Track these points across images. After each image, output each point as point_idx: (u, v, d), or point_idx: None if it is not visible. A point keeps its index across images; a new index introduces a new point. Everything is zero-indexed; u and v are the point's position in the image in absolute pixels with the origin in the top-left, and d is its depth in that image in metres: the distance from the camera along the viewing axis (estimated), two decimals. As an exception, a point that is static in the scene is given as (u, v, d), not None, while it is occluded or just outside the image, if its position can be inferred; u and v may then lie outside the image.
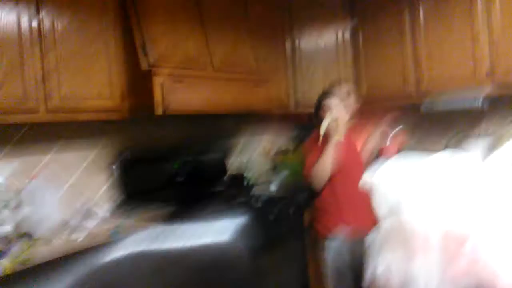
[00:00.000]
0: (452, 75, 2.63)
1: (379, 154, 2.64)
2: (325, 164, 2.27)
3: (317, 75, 3.14)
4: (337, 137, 2.25)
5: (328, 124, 2.25)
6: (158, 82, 2.11)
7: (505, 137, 2.67)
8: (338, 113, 2.35)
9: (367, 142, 2.66)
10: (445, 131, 3.03)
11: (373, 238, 0.91)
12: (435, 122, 3.07)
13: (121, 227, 2.00)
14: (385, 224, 0.87)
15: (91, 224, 2.07)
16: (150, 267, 1.07)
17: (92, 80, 2.08)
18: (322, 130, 2.25)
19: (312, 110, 2.69)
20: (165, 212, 2.25)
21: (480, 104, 2.59)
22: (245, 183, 2.89)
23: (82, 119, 2.07)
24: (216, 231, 1.22)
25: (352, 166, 2.39)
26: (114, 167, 2.38)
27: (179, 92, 2.20)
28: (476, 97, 2.58)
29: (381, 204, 0.87)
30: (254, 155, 3.32)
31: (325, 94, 2.45)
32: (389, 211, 0.86)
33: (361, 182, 0.91)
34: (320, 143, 2.33)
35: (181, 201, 2.54)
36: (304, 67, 3.14)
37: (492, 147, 2.62)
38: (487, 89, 2.51)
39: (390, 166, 0.92)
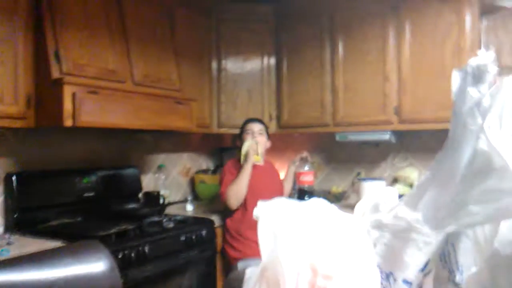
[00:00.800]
0: (365, 107, 2.85)
1: (296, 181, 2.75)
2: (241, 184, 2.35)
3: (241, 98, 3.21)
4: (256, 159, 2.34)
5: (249, 146, 2.34)
6: (69, 91, 2.02)
7: (400, 180, 2.93)
8: (259, 137, 2.47)
9: (288, 168, 2.79)
10: (358, 160, 3.25)
11: (251, 273, 0.94)
12: (349, 151, 3.30)
13: (11, 244, 1.86)
14: (263, 259, 0.90)
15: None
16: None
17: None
18: (244, 150, 2.34)
19: (235, 131, 2.76)
20: (63, 230, 2.14)
21: (388, 138, 2.81)
22: (161, 201, 2.84)
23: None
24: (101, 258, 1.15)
25: (270, 191, 2.48)
26: (13, 178, 2.21)
27: (93, 104, 2.11)
28: (385, 131, 2.81)
29: (264, 237, 0.91)
30: (172, 173, 3.29)
31: (250, 120, 2.55)
32: (268, 245, 0.90)
33: (254, 212, 0.96)
34: (240, 165, 2.39)
35: (88, 218, 2.45)
36: (228, 88, 3.20)
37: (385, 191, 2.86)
38: (394, 124, 2.74)
39: (277, 204, 0.97)
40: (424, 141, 2.94)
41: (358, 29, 2.86)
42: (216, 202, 3.06)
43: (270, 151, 2.81)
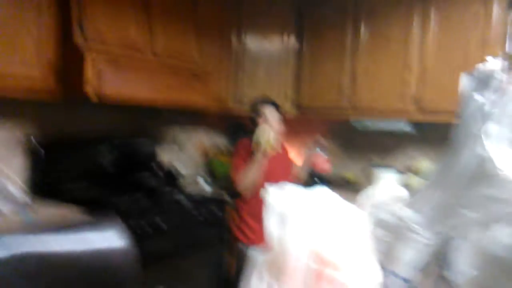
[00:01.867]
0: (383, 94, 2.85)
1: (311, 167, 2.76)
2: (252, 174, 2.33)
3: (259, 76, 3.23)
4: (270, 149, 2.32)
5: (263, 136, 2.31)
6: (91, 58, 2.08)
7: (413, 171, 2.93)
8: (273, 123, 2.46)
9: (301, 153, 2.78)
10: (372, 148, 3.26)
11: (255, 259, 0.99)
12: (364, 139, 3.30)
13: (36, 213, 1.93)
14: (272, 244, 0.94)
15: (7, 208, 1.99)
16: (36, 269, 1.08)
17: (18, 48, 2.01)
18: (258, 139, 2.30)
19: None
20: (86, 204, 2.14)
21: (404, 127, 2.81)
22: (178, 179, 2.87)
23: (9, 96, 2.00)
24: (113, 236, 1.25)
25: (283, 177, 2.48)
26: (34, 150, 2.28)
27: (113, 74, 2.16)
28: (403, 120, 2.81)
29: (270, 221, 0.95)
30: (188, 150, 3.33)
31: (263, 101, 2.52)
32: (274, 231, 0.94)
33: (261, 193, 0.98)
34: (252, 149, 2.42)
35: (106, 185, 2.49)
36: (247, 65, 3.21)
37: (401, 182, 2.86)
38: (411, 114, 2.75)
39: (284, 190, 1.00)
40: (442, 134, 2.90)
41: (382, 14, 2.84)
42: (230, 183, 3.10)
43: (286, 135, 2.82)
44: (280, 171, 2.50)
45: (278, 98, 3.06)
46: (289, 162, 2.70)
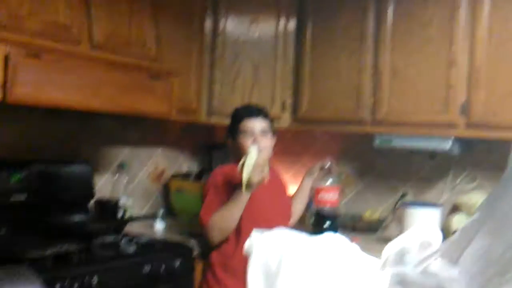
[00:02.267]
0: (419, 102, 2.86)
1: (316, 202, 2.74)
2: (230, 218, 2.34)
3: (244, 76, 3.22)
4: (257, 183, 2.30)
5: (250, 160, 2.27)
6: (2, 51, 2.05)
7: (462, 209, 2.94)
8: (262, 141, 2.45)
9: (303, 181, 2.78)
10: (405, 175, 3.27)
11: None
12: (392, 162, 3.30)
13: None
14: None
15: None
16: None
17: None
18: (242, 168, 2.27)
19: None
20: None
21: (449, 147, 2.82)
22: (119, 214, 2.87)
23: None
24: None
25: (274, 213, 2.49)
26: None
27: (33, 72, 2.14)
28: (445, 137, 2.81)
29: (254, 281, 0.95)
30: (139, 175, 3.32)
31: (247, 112, 2.53)
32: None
33: (245, 245, 1.01)
34: (234, 178, 2.40)
35: (16, 231, 2.46)
36: (227, 61, 3.20)
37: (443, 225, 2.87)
38: (459, 128, 2.76)
39: (276, 238, 1.01)
40: (501, 156, 2.94)
41: (417, -10, 2.88)
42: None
43: (278, 154, 2.81)
44: (271, 209, 2.51)
45: (269, 106, 3.06)
46: (283, 197, 2.70)
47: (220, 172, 2.51)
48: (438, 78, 2.81)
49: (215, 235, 2.38)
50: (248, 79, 3.23)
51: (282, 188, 2.69)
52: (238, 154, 2.52)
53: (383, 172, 3.33)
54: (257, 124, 2.49)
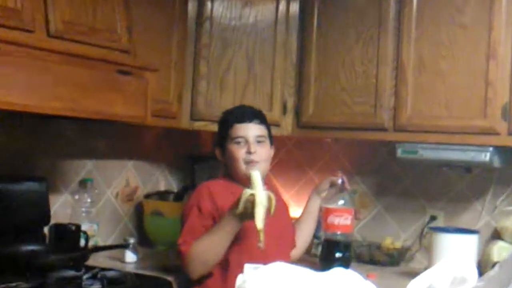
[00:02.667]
0: (451, 103, 2.86)
1: (325, 228, 2.74)
2: (217, 246, 2.34)
3: (235, 71, 3.22)
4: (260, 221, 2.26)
5: (260, 207, 2.25)
6: None
7: (505, 235, 2.93)
8: (259, 150, 2.47)
9: (310, 201, 2.78)
10: (432, 196, 3.26)
11: None
12: (418, 177, 3.30)
13: None
14: None
15: None
16: None
17: None
18: (244, 206, 2.25)
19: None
20: None
21: (488, 159, 2.82)
22: (82, 242, 2.86)
23: None
24: None
25: (274, 250, 2.44)
26: None
27: None
28: (484, 146, 2.81)
29: None
30: (106, 194, 3.30)
31: (239, 116, 2.54)
32: None
33: (237, 282, 1.01)
34: (224, 199, 2.42)
35: None
36: (215, 52, 3.20)
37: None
38: (501, 135, 2.76)
39: (275, 274, 1.01)
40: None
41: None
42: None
43: (277, 167, 2.80)
44: (267, 237, 2.43)
45: (267, 109, 3.05)
46: (284, 221, 2.70)
47: (206, 189, 2.51)
48: (474, 73, 2.81)
49: (196, 269, 2.38)
50: (241, 75, 3.22)
51: (282, 210, 2.68)
52: (229, 167, 2.53)
53: (407, 190, 3.32)
54: (251, 131, 2.52)
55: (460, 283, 1.11)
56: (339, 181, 2.75)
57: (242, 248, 2.38)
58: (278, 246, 2.48)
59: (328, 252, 2.76)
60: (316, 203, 2.76)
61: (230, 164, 2.53)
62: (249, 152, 2.49)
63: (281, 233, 2.59)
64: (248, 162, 2.50)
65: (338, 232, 2.72)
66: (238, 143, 2.49)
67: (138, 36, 2.86)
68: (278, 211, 2.62)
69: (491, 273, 1.03)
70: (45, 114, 2.46)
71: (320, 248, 2.84)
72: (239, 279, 1.10)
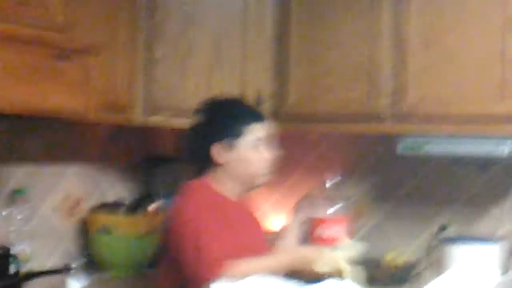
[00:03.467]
0: (463, 86, 2.87)
1: (309, 238, 2.75)
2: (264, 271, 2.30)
3: (198, 51, 3.23)
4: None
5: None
6: None
7: None
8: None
9: (293, 210, 2.81)
10: (442, 199, 3.28)
11: None
12: (423, 179, 3.32)
13: None
14: None
15: None
16: None
17: None
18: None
19: (181, 122, 2.74)
20: None
21: (508, 153, 2.84)
22: (12, 269, 2.85)
23: None
24: None
25: (251, 249, 2.50)
26: None
27: None
28: (503, 138, 2.85)
29: None
30: (41, 208, 3.29)
31: (252, 113, 2.58)
32: None
33: None
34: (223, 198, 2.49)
35: None
36: (173, 30, 3.21)
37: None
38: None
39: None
40: None
41: None
42: (134, 272, 3.02)
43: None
44: (249, 240, 2.55)
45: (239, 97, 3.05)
46: (255, 230, 2.73)
47: (196, 189, 2.54)
48: (489, 49, 2.83)
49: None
50: (206, 57, 3.24)
51: (254, 222, 2.75)
52: (234, 171, 2.53)
53: (410, 195, 3.35)
54: (267, 130, 2.61)
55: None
56: (330, 182, 2.75)
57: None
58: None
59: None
60: (298, 217, 2.79)
61: (241, 167, 2.55)
62: (269, 159, 2.57)
63: (260, 245, 2.63)
64: (266, 169, 2.57)
65: (330, 246, 2.71)
66: (257, 145, 2.54)
67: (76, 12, 2.85)
68: (249, 222, 2.68)
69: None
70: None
71: None
72: None
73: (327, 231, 2.69)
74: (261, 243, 2.68)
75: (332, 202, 2.73)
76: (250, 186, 2.59)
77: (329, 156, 3.50)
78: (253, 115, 2.61)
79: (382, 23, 3.03)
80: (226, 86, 3.15)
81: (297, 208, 2.79)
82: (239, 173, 2.54)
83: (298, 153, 3.58)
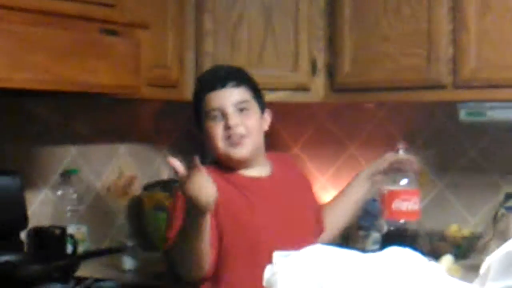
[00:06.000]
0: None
1: (384, 212, 2.73)
2: (190, 245, 2.30)
3: (250, 23, 3.23)
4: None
5: None
6: None
7: None
8: (243, 121, 2.48)
9: (356, 180, 2.78)
10: (507, 168, 3.24)
11: None
12: (487, 147, 3.30)
13: None
14: None
15: None
16: None
17: None
18: None
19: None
20: None
21: None
22: (68, 248, 2.89)
23: None
24: None
25: (289, 232, 2.48)
26: None
27: None
28: None
29: None
30: (95, 187, 3.33)
31: (209, 83, 2.52)
32: None
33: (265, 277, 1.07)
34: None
35: None
36: (222, 1, 3.22)
37: None
38: None
39: (310, 259, 1.05)
40: None
41: None
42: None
43: (308, 143, 2.77)
44: (281, 227, 2.50)
45: (292, 69, 3.06)
46: (301, 203, 2.68)
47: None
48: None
49: (183, 270, 2.38)
50: (257, 29, 3.24)
51: (302, 190, 2.71)
52: (210, 149, 2.52)
53: (474, 163, 3.31)
54: (227, 99, 2.47)
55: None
56: (401, 155, 2.70)
57: (246, 246, 2.41)
58: (297, 234, 2.45)
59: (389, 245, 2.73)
60: (362, 190, 2.74)
61: (210, 146, 2.50)
62: (228, 127, 2.46)
63: (294, 217, 2.57)
64: (230, 139, 2.46)
65: (402, 220, 2.70)
66: (214, 117, 2.46)
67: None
68: (294, 192, 2.65)
69: None
70: (13, 89, 2.46)
71: (374, 242, 2.81)
72: (268, 271, 1.12)
73: (405, 204, 2.66)
74: (300, 216, 2.62)
75: (403, 172, 2.71)
76: (230, 163, 2.50)
77: (387, 127, 3.48)
78: (205, 86, 2.53)
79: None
80: (278, 58, 3.16)
81: (360, 181, 2.77)
82: (212, 150, 2.50)
83: (355, 124, 3.57)
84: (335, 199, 2.80)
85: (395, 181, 2.66)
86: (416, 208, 2.65)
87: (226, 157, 2.47)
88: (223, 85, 2.46)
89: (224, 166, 2.50)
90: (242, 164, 2.49)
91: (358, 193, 2.74)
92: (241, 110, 2.46)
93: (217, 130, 2.45)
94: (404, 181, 2.65)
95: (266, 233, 2.41)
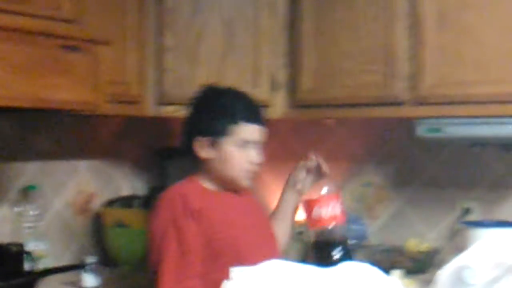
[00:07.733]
0: (485, 64, 2.84)
1: (307, 223, 2.74)
2: None
3: (210, 38, 3.23)
4: None
5: None
6: None
7: None
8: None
9: (283, 194, 2.81)
10: (464, 183, 3.26)
11: None
12: (444, 163, 3.31)
13: None
14: None
15: None
16: None
17: None
18: None
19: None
20: None
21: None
22: (26, 267, 2.87)
23: None
24: None
25: (266, 249, 2.53)
26: None
27: None
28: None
29: None
30: (54, 204, 3.31)
31: (251, 112, 2.54)
32: None
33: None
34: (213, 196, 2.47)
35: None
36: (184, 16, 3.20)
37: None
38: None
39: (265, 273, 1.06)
40: None
41: None
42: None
43: (268, 159, 2.77)
44: (258, 236, 2.56)
45: (252, 85, 3.07)
46: (261, 220, 2.74)
47: (179, 197, 2.49)
48: (509, 25, 2.80)
49: None
50: (217, 44, 3.24)
51: (260, 213, 2.78)
52: (218, 168, 2.51)
53: (432, 179, 3.34)
54: (261, 136, 2.57)
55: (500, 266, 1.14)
56: (312, 163, 2.75)
57: (213, 258, 2.41)
58: (263, 251, 2.48)
59: (322, 255, 2.72)
60: (291, 199, 2.78)
61: (223, 167, 2.53)
62: (252, 162, 2.53)
63: (263, 238, 2.64)
64: (248, 172, 2.54)
65: (330, 225, 2.71)
66: (242, 146, 2.50)
67: (84, 1, 2.85)
68: (255, 213, 2.70)
69: None
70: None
71: (312, 252, 2.81)
72: (224, 285, 1.10)
73: (323, 211, 2.67)
74: (268, 233, 2.69)
75: (321, 182, 2.71)
76: (232, 188, 2.56)
77: (347, 143, 3.50)
78: (245, 114, 2.54)
79: (397, 3, 3.01)
80: (239, 73, 3.16)
81: (288, 191, 2.80)
82: (220, 172, 2.52)
83: (315, 140, 3.56)
84: (273, 220, 2.81)
85: (318, 191, 2.69)
86: (337, 212, 2.67)
87: (233, 182, 2.54)
88: (262, 123, 2.56)
89: (215, 183, 2.54)
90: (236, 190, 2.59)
91: (289, 206, 2.79)
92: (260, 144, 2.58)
93: (241, 160, 2.50)
94: (324, 190, 2.67)
95: (244, 244, 2.47)
